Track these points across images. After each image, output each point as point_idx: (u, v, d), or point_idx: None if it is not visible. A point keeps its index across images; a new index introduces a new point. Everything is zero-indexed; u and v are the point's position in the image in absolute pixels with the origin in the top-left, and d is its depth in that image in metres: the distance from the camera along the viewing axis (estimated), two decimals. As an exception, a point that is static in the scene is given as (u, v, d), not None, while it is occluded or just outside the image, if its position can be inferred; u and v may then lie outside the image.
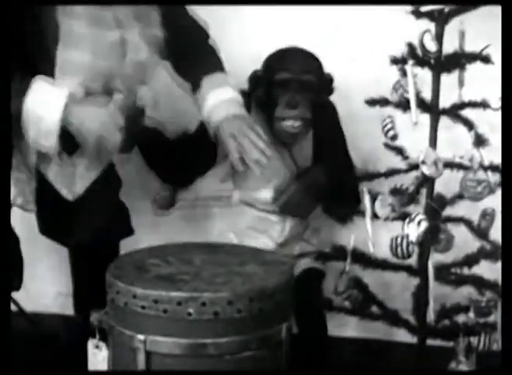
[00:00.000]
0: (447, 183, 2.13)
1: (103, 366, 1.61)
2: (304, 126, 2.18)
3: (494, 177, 2.05)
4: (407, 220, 2.01)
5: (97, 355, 1.61)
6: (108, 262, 1.62)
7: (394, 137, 2.10)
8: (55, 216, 1.83)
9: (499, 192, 2.07)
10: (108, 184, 1.97)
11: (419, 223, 2.01)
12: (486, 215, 2.10)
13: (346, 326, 2.57)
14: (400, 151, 2.16)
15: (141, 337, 1.52)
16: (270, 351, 1.60)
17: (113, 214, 1.97)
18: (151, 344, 1.52)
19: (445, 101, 2.10)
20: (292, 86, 2.16)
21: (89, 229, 1.86)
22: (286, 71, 2.17)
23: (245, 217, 2.36)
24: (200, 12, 2.19)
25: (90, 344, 1.62)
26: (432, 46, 2.00)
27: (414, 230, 2.00)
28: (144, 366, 1.52)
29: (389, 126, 2.10)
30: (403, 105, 2.08)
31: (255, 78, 2.24)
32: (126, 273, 1.62)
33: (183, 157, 2.15)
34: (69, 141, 1.70)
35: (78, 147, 1.80)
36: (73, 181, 1.83)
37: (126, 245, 2.08)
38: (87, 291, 1.97)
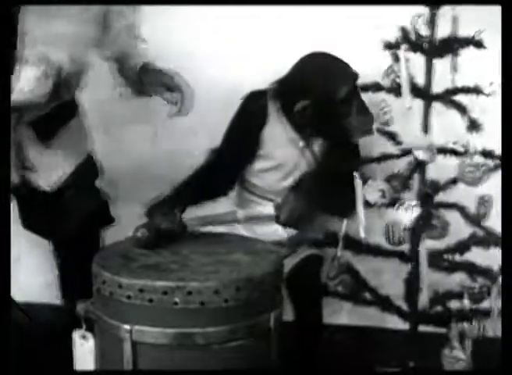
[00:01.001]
0: (440, 169, 2.11)
1: (89, 356, 1.61)
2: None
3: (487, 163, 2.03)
4: (399, 206, 2.00)
5: (84, 346, 1.60)
6: (90, 251, 1.61)
7: (388, 122, 2.08)
8: (34, 208, 1.82)
9: (494, 178, 2.06)
10: (86, 174, 1.96)
11: (411, 209, 1.99)
12: (484, 201, 2.08)
13: (339, 314, 2.57)
14: (392, 136, 2.15)
15: (127, 326, 1.51)
16: (258, 339, 1.60)
17: (92, 203, 1.96)
18: (137, 334, 1.51)
19: (438, 87, 2.08)
20: (353, 96, 2.13)
21: (68, 219, 1.85)
22: (343, 86, 2.12)
23: (255, 206, 2.35)
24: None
25: (77, 334, 1.62)
26: (424, 30, 1.97)
27: (407, 216, 1.99)
28: (130, 355, 1.52)
29: (385, 109, 2.08)
30: (395, 91, 2.06)
31: (296, 95, 2.17)
32: (112, 262, 1.61)
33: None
34: (45, 130, 1.68)
35: (54, 136, 1.79)
36: (50, 172, 1.81)
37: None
38: (71, 282, 1.96)
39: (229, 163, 2.23)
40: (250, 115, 2.27)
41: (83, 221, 1.90)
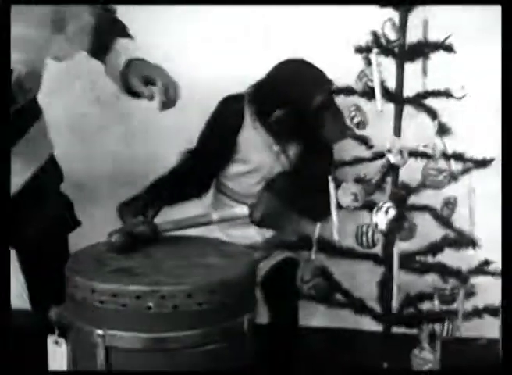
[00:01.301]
0: (412, 172, 2.13)
1: (63, 361, 1.60)
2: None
3: (457, 166, 2.06)
4: (375, 209, 2.01)
5: (57, 351, 1.59)
6: (57, 256, 1.60)
7: (360, 125, 2.10)
8: None
9: (462, 180, 2.09)
10: (49, 178, 1.93)
11: (387, 211, 2.01)
12: (449, 203, 2.11)
13: (313, 316, 2.58)
14: (364, 139, 2.17)
15: (100, 332, 1.51)
16: (232, 343, 1.59)
17: (55, 207, 1.93)
18: (111, 339, 1.51)
19: (409, 90, 2.10)
20: (327, 104, 2.16)
21: (31, 226, 1.83)
22: (318, 94, 2.15)
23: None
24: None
25: (50, 340, 1.61)
26: (392, 35, 1.99)
27: (383, 218, 2.01)
28: (103, 361, 1.51)
29: (353, 113, 2.10)
30: (368, 94, 2.07)
31: (271, 102, 2.19)
32: (85, 267, 1.60)
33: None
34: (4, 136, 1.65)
35: (14, 143, 1.76)
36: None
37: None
38: (39, 288, 1.94)
39: (203, 165, 2.24)
40: (226, 118, 2.28)
41: (47, 227, 1.86)
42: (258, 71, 2.23)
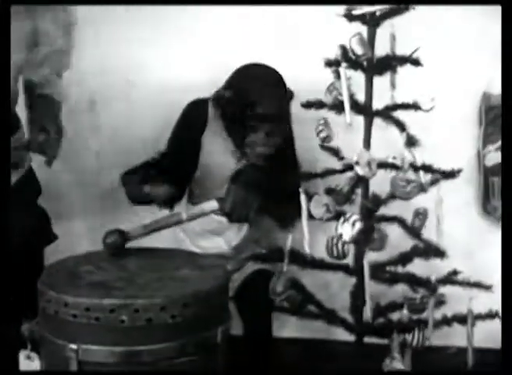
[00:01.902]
0: (382, 183, 2.16)
1: (35, 376, 1.59)
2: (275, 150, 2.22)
3: (426, 177, 2.09)
4: (342, 220, 2.03)
5: (30, 366, 1.58)
6: (32, 270, 1.58)
7: (326, 139, 2.13)
8: None
9: (431, 191, 2.12)
10: (25, 191, 1.92)
11: (354, 223, 2.03)
12: (419, 214, 2.14)
13: (286, 327, 2.59)
14: (335, 152, 2.19)
15: (73, 346, 1.50)
16: (206, 355, 1.60)
17: (32, 221, 1.92)
18: (84, 354, 1.50)
19: (378, 103, 2.14)
20: (269, 119, 2.18)
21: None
22: (265, 106, 2.18)
23: (201, 219, 2.37)
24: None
25: (22, 355, 1.60)
26: (359, 49, 2.03)
27: (349, 230, 2.03)
28: (76, 375, 1.50)
29: (320, 127, 2.13)
30: (338, 107, 2.10)
31: (225, 101, 2.22)
32: (58, 280, 1.59)
33: None
34: None
35: None
36: None
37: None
38: (12, 302, 1.91)
39: (173, 169, 2.23)
40: (191, 122, 2.30)
41: (23, 240, 1.85)
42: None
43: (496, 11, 2.38)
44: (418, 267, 2.19)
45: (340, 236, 2.02)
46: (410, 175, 2.06)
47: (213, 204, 2.00)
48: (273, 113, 2.18)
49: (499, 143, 2.52)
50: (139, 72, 2.59)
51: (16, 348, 1.59)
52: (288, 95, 2.24)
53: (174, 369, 1.54)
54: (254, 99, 2.18)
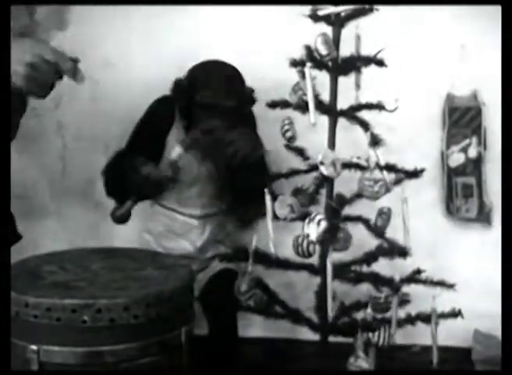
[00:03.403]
0: (347, 183, 2.17)
1: (-5, 378, 1.56)
2: (216, 144, 2.20)
3: (390, 176, 2.10)
4: (307, 220, 2.04)
5: (-11, 368, 1.55)
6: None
7: (292, 139, 2.14)
8: None
9: (394, 191, 2.14)
10: None
11: (319, 222, 2.04)
12: (382, 214, 2.16)
13: (251, 327, 2.59)
14: (300, 152, 2.20)
15: (34, 347, 1.48)
16: (170, 356, 1.58)
17: None
18: (45, 355, 1.48)
19: (343, 103, 2.14)
20: (212, 110, 2.17)
21: None
22: (209, 94, 2.17)
23: (163, 219, 2.36)
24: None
25: (-19, 356, 1.57)
26: (324, 49, 2.03)
27: (314, 229, 2.04)
28: (37, 377, 1.48)
29: (286, 127, 2.13)
30: (303, 107, 2.11)
31: (179, 88, 2.22)
32: (20, 280, 1.57)
33: None
34: None
35: None
36: None
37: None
38: None
39: (132, 165, 2.20)
40: (157, 119, 2.29)
41: None
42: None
43: (461, 10, 2.43)
44: (383, 267, 2.20)
45: (307, 236, 2.02)
46: (377, 175, 2.07)
47: (178, 149, 2.02)
48: (222, 103, 2.17)
49: (463, 144, 2.55)
50: (103, 70, 2.57)
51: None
52: (247, 91, 2.24)
53: (137, 370, 1.53)
54: (200, 85, 2.17)
